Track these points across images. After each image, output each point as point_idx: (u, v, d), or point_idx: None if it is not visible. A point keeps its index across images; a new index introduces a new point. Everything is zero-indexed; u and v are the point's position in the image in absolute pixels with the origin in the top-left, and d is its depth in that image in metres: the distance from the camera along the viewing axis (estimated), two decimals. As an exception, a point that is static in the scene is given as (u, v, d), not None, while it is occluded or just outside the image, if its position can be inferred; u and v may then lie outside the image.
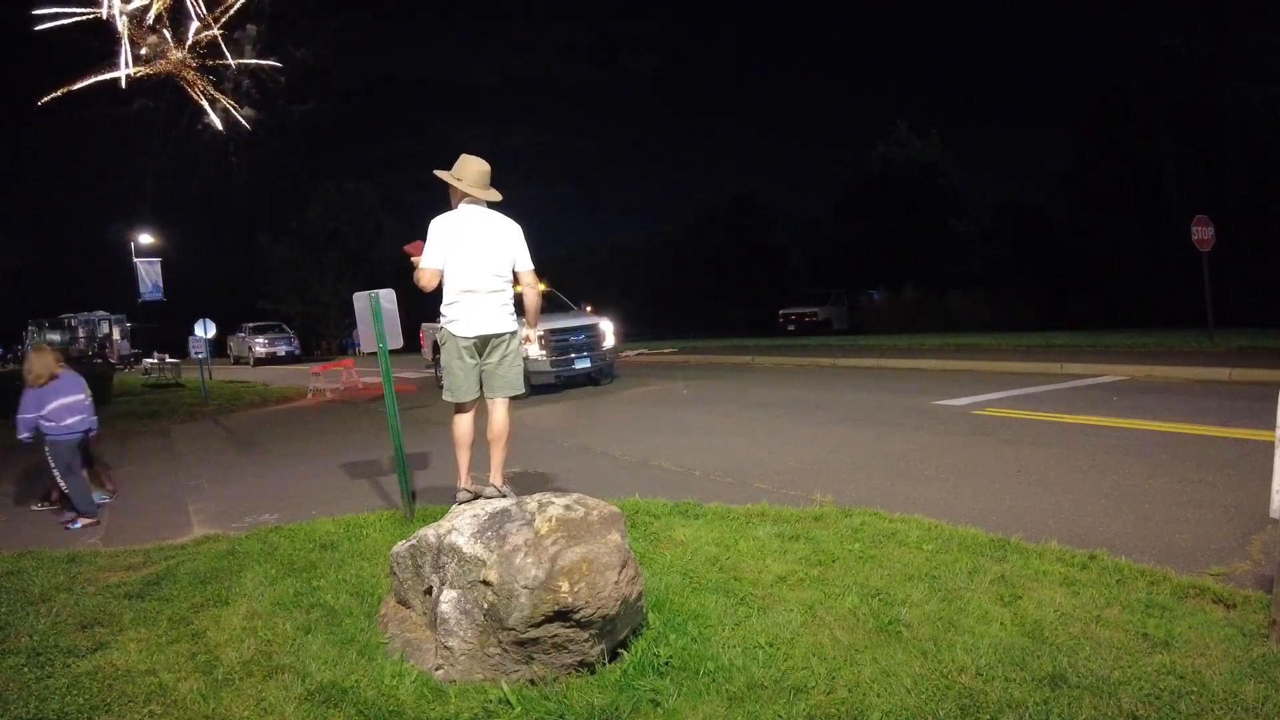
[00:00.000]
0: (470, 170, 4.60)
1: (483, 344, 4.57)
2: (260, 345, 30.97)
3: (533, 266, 4.73)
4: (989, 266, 31.13)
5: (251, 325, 32.88)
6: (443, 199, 4.74)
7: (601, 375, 12.98)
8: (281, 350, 31.02)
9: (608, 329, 12.89)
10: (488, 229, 4.55)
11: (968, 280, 29.47)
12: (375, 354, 5.24)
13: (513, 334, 4.62)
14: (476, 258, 4.49)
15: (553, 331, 11.97)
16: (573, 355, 12.18)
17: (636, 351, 21.97)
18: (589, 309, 14.09)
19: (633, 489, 5.71)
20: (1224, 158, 24.20)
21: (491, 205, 4.71)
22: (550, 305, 13.50)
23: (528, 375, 10.90)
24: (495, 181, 4.74)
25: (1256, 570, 3.59)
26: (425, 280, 4.56)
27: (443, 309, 4.60)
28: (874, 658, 2.85)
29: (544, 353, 11.78)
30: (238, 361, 32.45)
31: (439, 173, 4.67)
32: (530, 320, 4.94)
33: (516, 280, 4.75)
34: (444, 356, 4.67)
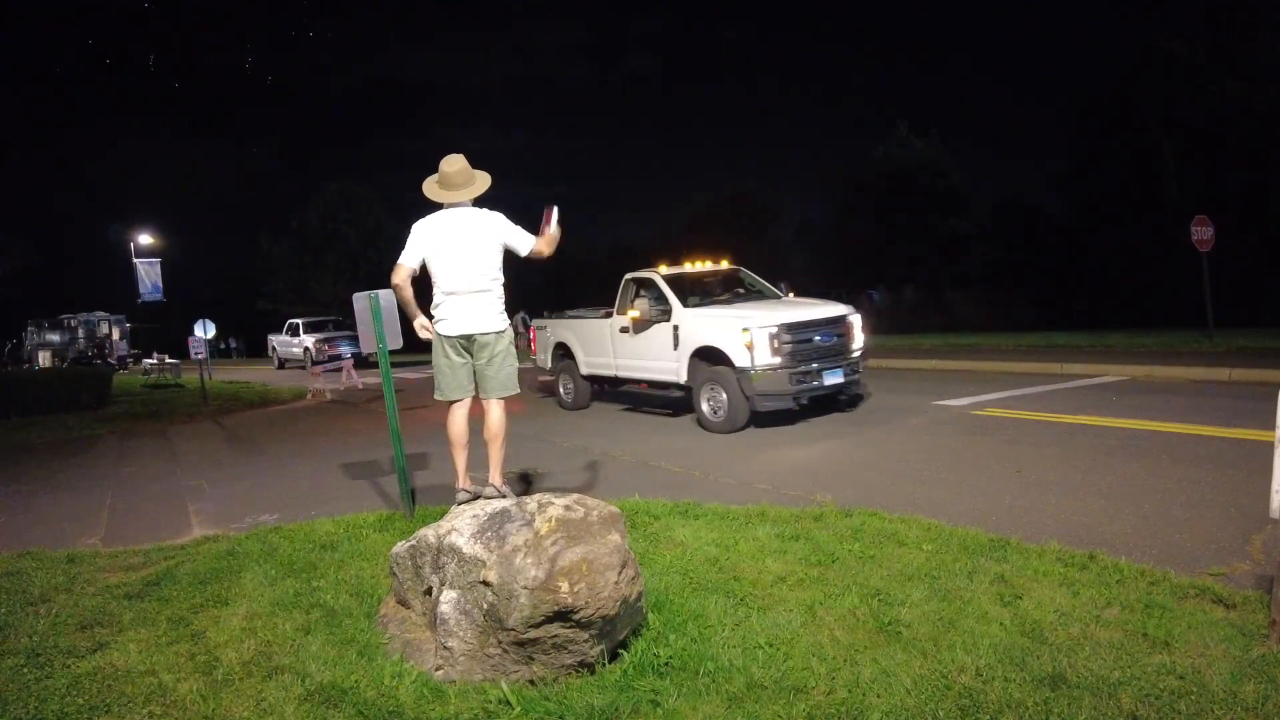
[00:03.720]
0: (445, 176, 4.58)
1: (469, 343, 4.56)
2: (318, 345, 24.44)
3: (533, 238, 4.63)
4: (989, 266, 31.13)
5: (303, 321, 27.05)
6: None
7: (848, 394, 8.94)
8: (346, 352, 23.86)
9: (857, 323, 8.64)
10: (468, 230, 4.52)
11: (968, 280, 29.46)
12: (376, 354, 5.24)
13: (500, 333, 4.60)
14: (458, 259, 4.49)
15: (789, 328, 7.90)
16: (820, 365, 8.02)
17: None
18: (791, 293, 9.63)
19: (633, 489, 5.71)
20: (1224, 158, 24.19)
21: (481, 200, 4.67)
22: (733, 291, 9.71)
23: (749, 397, 7.77)
24: (494, 179, 4.71)
25: (1256, 570, 3.59)
26: (397, 276, 4.54)
27: (431, 310, 4.62)
28: (874, 658, 2.85)
29: (776, 360, 7.73)
30: (284, 365, 26.35)
31: (428, 192, 4.65)
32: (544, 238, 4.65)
33: (531, 258, 4.64)
34: (434, 357, 4.69)
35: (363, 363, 23.15)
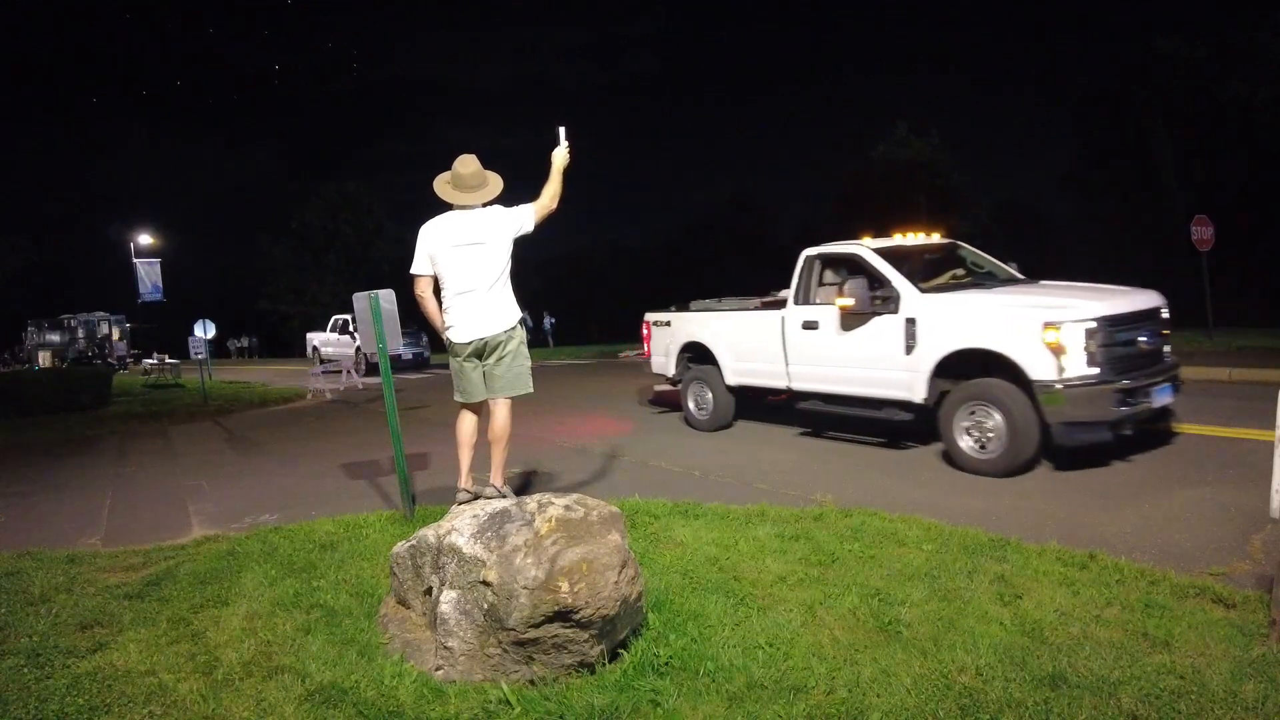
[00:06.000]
0: (458, 177, 4.55)
1: (481, 347, 4.57)
2: None
3: (532, 206, 4.64)
4: (989, 266, 31.18)
5: (353, 316, 20.69)
6: (441, 200, 4.71)
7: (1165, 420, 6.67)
8: (406, 353, 20.93)
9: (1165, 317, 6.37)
10: (475, 231, 4.50)
11: (968, 280, 29.44)
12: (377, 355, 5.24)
13: (510, 332, 4.60)
14: (462, 262, 4.49)
15: (1111, 323, 5.55)
16: (1146, 375, 5.67)
17: (636, 352, 21.99)
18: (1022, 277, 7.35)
19: (633, 489, 5.71)
20: (1224, 157, 24.21)
21: (493, 200, 4.65)
22: (952, 273, 7.16)
23: (1049, 424, 5.41)
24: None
25: (1256, 570, 3.59)
26: (417, 288, 4.60)
27: (442, 313, 4.63)
28: (874, 658, 2.85)
29: (1094, 370, 5.37)
30: (324, 367, 20.20)
31: (440, 192, 4.63)
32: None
33: (540, 223, 4.69)
34: (451, 363, 4.70)
35: (423, 363, 21.05)
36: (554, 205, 4.69)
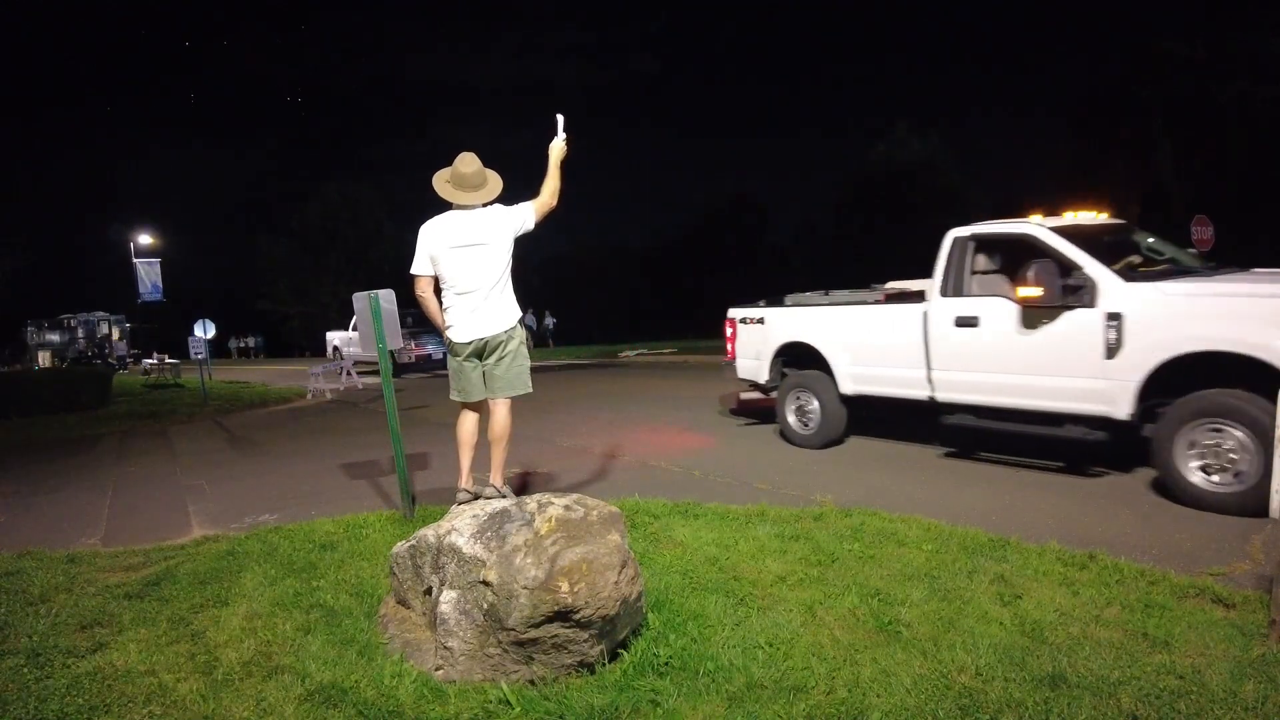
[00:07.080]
0: (459, 176, 4.53)
1: (481, 347, 4.57)
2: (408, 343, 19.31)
3: (532, 204, 4.63)
4: (989, 266, 31.15)
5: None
6: (441, 200, 4.71)
7: None
8: (437, 352, 19.35)
9: None
10: (477, 231, 4.49)
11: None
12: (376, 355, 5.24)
13: (510, 333, 4.60)
14: (463, 263, 4.48)
15: None
16: None
17: (636, 352, 22.00)
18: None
19: (633, 489, 5.71)
20: (1224, 157, 24.22)
21: (493, 200, 4.64)
22: (1126, 260, 5.64)
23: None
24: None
25: (1256, 570, 3.60)
26: (418, 288, 4.60)
27: (443, 314, 4.63)
28: (874, 658, 2.85)
29: None
30: (346, 368, 17.90)
31: (440, 191, 4.61)
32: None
33: (541, 220, 4.66)
34: (450, 362, 4.70)
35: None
36: (554, 202, 4.68)
